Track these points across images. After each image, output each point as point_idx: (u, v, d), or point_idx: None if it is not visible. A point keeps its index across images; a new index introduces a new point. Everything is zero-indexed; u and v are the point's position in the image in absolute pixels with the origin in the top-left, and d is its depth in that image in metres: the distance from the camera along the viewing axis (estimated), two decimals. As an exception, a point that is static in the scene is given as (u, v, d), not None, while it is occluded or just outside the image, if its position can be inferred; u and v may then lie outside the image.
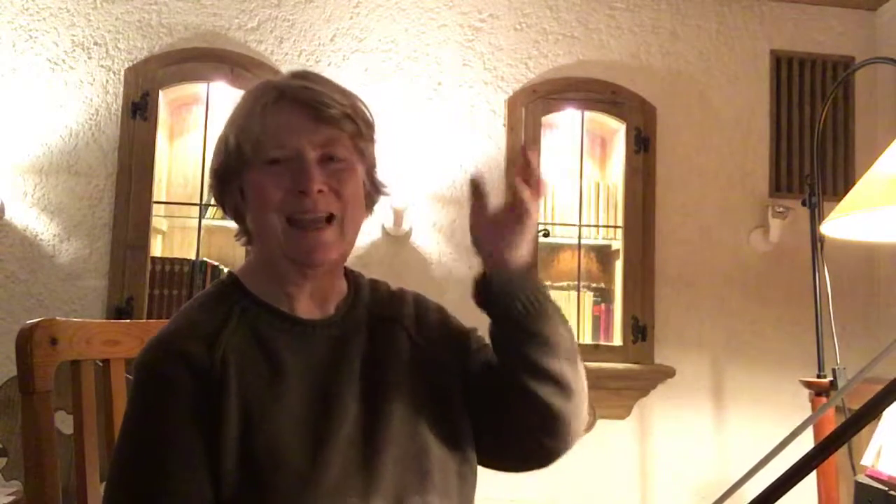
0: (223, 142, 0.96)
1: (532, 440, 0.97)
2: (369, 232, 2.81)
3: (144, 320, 2.59)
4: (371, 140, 0.99)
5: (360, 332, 0.99)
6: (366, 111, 0.98)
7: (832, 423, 1.87)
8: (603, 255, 3.10)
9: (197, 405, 0.85)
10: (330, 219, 0.92)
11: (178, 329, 0.91)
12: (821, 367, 1.98)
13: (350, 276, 1.05)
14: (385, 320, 1.01)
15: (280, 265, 0.94)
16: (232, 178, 0.95)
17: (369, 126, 0.98)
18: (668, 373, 2.90)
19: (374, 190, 1.01)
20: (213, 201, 2.80)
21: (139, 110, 2.72)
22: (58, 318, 1.05)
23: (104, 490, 0.87)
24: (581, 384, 0.97)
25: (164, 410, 0.85)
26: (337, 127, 0.93)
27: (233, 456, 0.83)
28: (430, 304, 1.08)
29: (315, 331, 0.95)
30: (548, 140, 3.01)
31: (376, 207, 1.04)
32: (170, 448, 0.84)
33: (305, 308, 0.97)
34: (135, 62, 2.79)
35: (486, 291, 0.95)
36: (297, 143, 0.91)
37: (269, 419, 0.86)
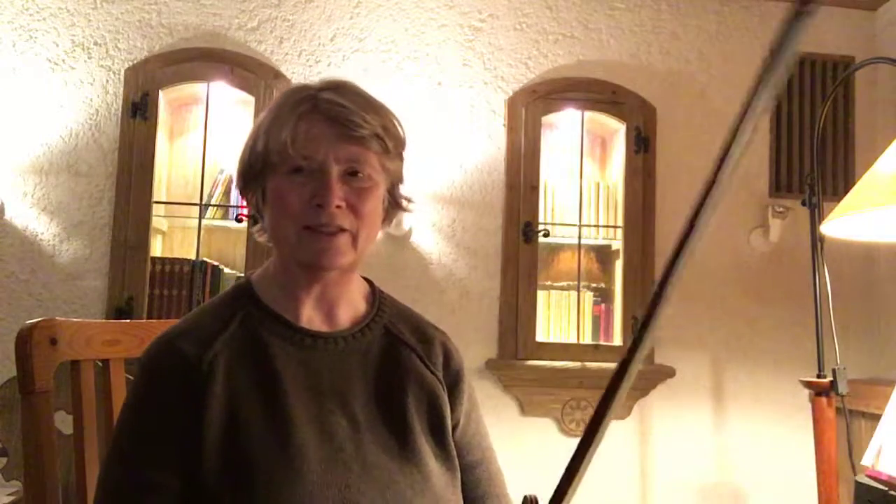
0: (252, 142, 0.97)
1: None
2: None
3: (144, 320, 2.59)
4: (398, 157, 1.00)
5: (371, 352, 0.99)
6: (397, 128, 0.98)
7: (833, 424, 1.87)
8: (603, 255, 3.10)
9: (182, 400, 0.88)
10: (343, 231, 0.93)
11: (180, 329, 0.95)
12: (821, 367, 1.98)
13: (376, 298, 1.05)
14: (403, 346, 1.02)
15: (291, 269, 0.97)
16: (256, 177, 0.97)
17: (398, 143, 0.99)
18: (668, 373, 2.90)
19: (393, 205, 1.02)
20: (213, 201, 2.82)
21: (139, 110, 2.72)
22: (58, 318, 1.05)
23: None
24: None
25: (148, 401, 0.90)
26: (364, 146, 0.94)
27: (215, 455, 0.86)
28: (455, 354, 1.08)
29: (317, 342, 0.96)
30: (548, 140, 3.01)
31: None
32: (145, 436, 0.88)
33: (310, 318, 0.98)
34: (135, 62, 2.79)
35: None
36: (323, 156, 0.92)
37: (252, 423, 0.88)
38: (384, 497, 0.89)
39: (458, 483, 0.99)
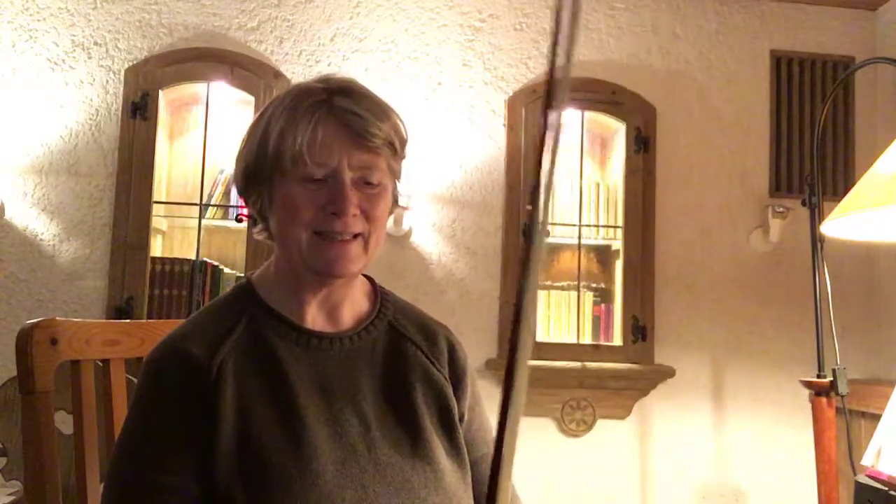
0: (260, 141, 0.94)
1: None
2: (369, 232, 2.82)
3: (144, 320, 2.59)
4: (403, 157, 1.00)
5: (377, 350, 1.00)
6: (403, 131, 0.99)
7: (833, 423, 1.87)
8: (603, 255, 3.10)
9: (192, 404, 0.87)
10: (356, 236, 0.94)
11: (186, 332, 0.93)
12: (821, 367, 1.97)
13: (378, 295, 1.06)
14: (408, 343, 1.02)
15: (298, 272, 0.96)
16: (262, 179, 0.95)
17: (403, 144, 0.99)
18: (668, 373, 2.90)
19: (394, 204, 1.04)
20: (213, 201, 2.82)
21: (139, 110, 2.72)
22: (58, 318, 1.04)
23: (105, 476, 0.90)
24: None
25: (158, 405, 0.89)
26: (377, 153, 0.94)
27: (228, 458, 0.86)
28: (459, 349, 1.08)
29: (322, 343, 0.96)
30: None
31: None
32: (158, 440, 0.87)
33: (314, 319, 0.98)
34: (135, 62, 2.79)
35: None
36: (337, 163, 0.92)
37: (264, 425, 0.88)
38: (399, 497, 0.89)
39: (469, 479, 0.99)
